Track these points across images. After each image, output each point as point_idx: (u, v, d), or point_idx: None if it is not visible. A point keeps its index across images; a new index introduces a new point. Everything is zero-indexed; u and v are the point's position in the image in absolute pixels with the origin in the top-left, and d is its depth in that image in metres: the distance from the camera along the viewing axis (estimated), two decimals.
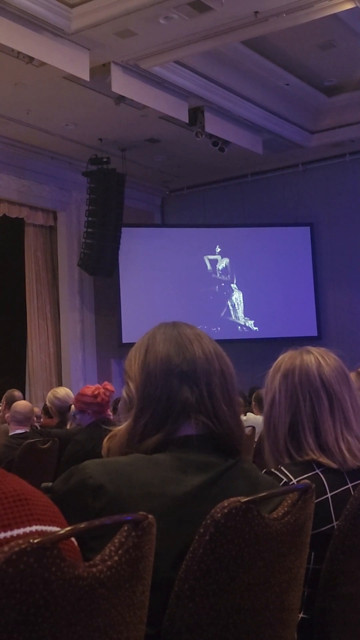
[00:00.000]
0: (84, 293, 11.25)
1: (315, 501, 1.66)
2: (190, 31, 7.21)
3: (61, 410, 5.61)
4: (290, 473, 1.75)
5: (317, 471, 1.77)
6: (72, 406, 5.41)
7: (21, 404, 5.45)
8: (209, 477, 1.44)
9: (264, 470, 1.77)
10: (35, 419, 6.02)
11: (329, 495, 1.74)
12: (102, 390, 4.37)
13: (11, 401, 5.96)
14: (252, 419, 6.20)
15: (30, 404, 5.72)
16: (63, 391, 5.81)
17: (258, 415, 6.35)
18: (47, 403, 5.79)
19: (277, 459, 1.85)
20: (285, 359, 1.91)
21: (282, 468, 1.78)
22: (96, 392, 4.35)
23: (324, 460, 1.78)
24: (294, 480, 1.72)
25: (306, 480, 1.64)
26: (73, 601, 1.03)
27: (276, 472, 1.77)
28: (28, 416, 5.34)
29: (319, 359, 1.87)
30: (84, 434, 4.33)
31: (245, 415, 6.42)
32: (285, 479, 1.74)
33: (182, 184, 12.38)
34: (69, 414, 5.48)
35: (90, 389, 4.42)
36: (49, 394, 5.93)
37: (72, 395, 5.67)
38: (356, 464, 1.79)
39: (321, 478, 1.76)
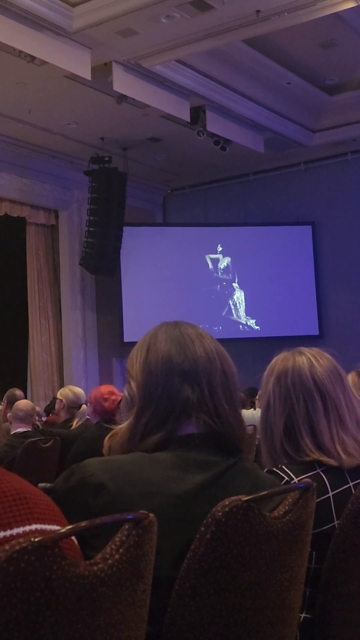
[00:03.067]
0: (85, 292, 11.25)
1: (317, 500, 1.66)
2: (192, 30, 7.21)
3: (72, 406, 5.60)
4: (291, 472, 1.76)
5: (319, 470, 1.77)
6: (83, 406, 5.44)
7: (23, 402, 5.46)
8: (210, 475, 1.44)
9: (266, 470, 1.78)
10: (36, 417, 6.02)
11: (330, 494, 1.74)
12: (112, 398, 4.43)
13: (12, 400, 5.97)
14: (249, 416, 6.21)
15: (31, 402, 5.71)
16: (78, 389, 5.81)
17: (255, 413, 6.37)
18: (59, 397, 5.75)
19: (274, 461, 1.85)
20: (278, 361, 1.91)
21: (283, 467, 1.78)
22: (106, 396, 4.42)
23: (324, 459, 1.78)
24: (295, 479, 1.72)
25: (307, 479, 1.64)
26: (74, 600, 1.03)
27: (277, 470, 1.77)
28: (30, 414, 5.34)
29: (311, 359, 1.87)
30: (91, 433, 4.36)
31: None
32: (286, 478, 1.74)
33: (184, 183, 12.37)
34: (78, 411, 5.48)
35: (108, 388, 4.53)
36: (64, 389, 5.88)
37: (85, 396, 5.72)
38: (354, 463, 1.79)
39: (322, 477, 1.76)
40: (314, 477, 1.74)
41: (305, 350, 1.91)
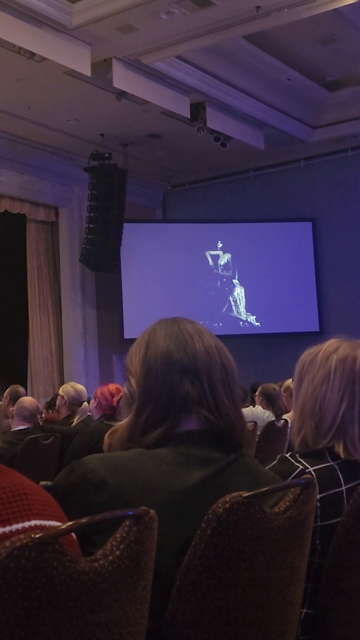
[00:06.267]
0: (85, 289, 11.25)
1: (328, 493, 1.66)
2: (192, 26, 7.20)
3: (73, 402, 5.60)
4: (307, 463, 1.75)
5: (333, 463, 1.76)
6: (85, 403, 5.45)
7: (28, 401, 5.41)
8: (211, 471, 1.44)
9: (278, 456, 1.77)
10: (38, 415, 6.00)
11: (343, 487, 1.73)
12: (119, 395, 4.45)
13: (15, 397, 5.93)
14: (248, 413, 6.20)
15: (36, 401, 5.69)
16: (80, 386, 5.82)
17: (266, 410, 6.36)
18: (61, 393, 5.75)
19: (313, 437, 1.82)
20: (342, 345, 1.89)
21: (297, 456, 1.77)
22: (113, 392, 4.45)
23: (340, 449, 1.77)
24: (311, 469, 1.72)
25: (307, 475, 1.64)
26: (75, 596, 1.03)
27: (290, 458, 1.76)
28: (34, 413, 5.33)
29: None
30: (92, 428, 4.38)
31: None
32: (301, 467, 1.73)
33: (184, 180, 12.37)
34: (79, 408, 5.49)
35: (115, 385, 4.57)
36: (66, 386, 5.88)
37: (86, 393, 5.72)
38: None
39: (336, 470, 1.75)
40: (328, 469, 1.74)
41: None
